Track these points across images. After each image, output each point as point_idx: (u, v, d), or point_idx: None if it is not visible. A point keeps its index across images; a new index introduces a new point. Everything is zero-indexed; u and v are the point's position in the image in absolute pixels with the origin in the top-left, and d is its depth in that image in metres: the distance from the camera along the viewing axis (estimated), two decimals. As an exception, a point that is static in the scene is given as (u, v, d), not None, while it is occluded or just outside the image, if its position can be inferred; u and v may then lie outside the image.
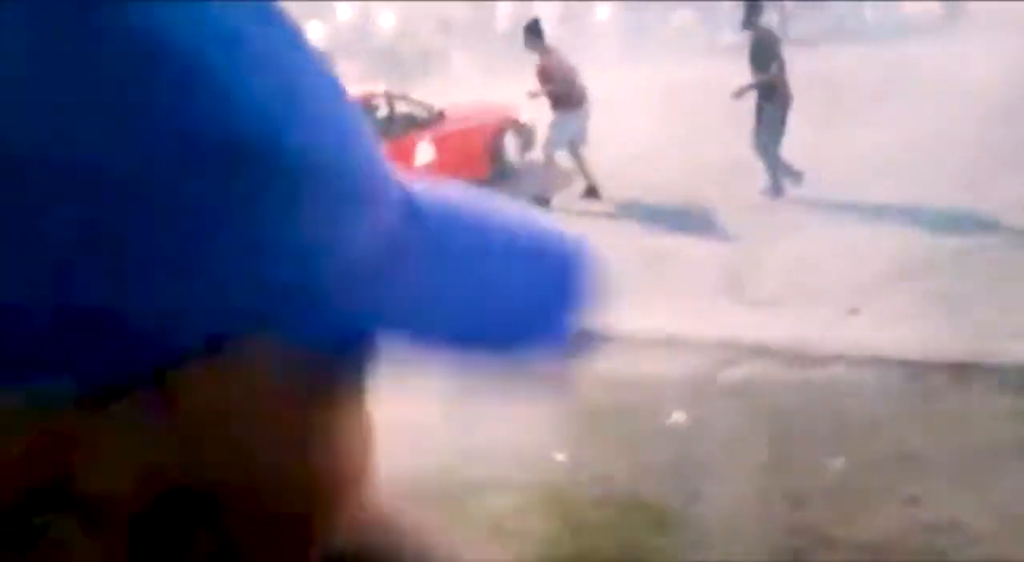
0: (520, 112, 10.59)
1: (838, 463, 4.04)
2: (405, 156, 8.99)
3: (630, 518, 3.70)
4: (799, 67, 14.45)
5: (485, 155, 9.97)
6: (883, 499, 3.73)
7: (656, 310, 5.89)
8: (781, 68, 8.33)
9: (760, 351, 5.25)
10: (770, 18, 17.25)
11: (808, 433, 4.34)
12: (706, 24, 17.83)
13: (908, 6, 18.39)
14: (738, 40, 12.81)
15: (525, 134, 10.52)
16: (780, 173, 8.26)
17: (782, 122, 8.20)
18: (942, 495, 3.75)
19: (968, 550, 3.40)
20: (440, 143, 9.85)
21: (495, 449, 4.18)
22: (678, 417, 4.49)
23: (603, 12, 19.71)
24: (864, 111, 11.17)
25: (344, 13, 18.88)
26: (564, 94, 8.97)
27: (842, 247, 6.75)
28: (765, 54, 8.35)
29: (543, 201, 8.52)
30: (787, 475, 3.98)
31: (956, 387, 4.69)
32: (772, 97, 8.26)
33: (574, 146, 9.14)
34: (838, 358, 5.06)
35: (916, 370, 4.87)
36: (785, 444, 4.25)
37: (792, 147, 9.32)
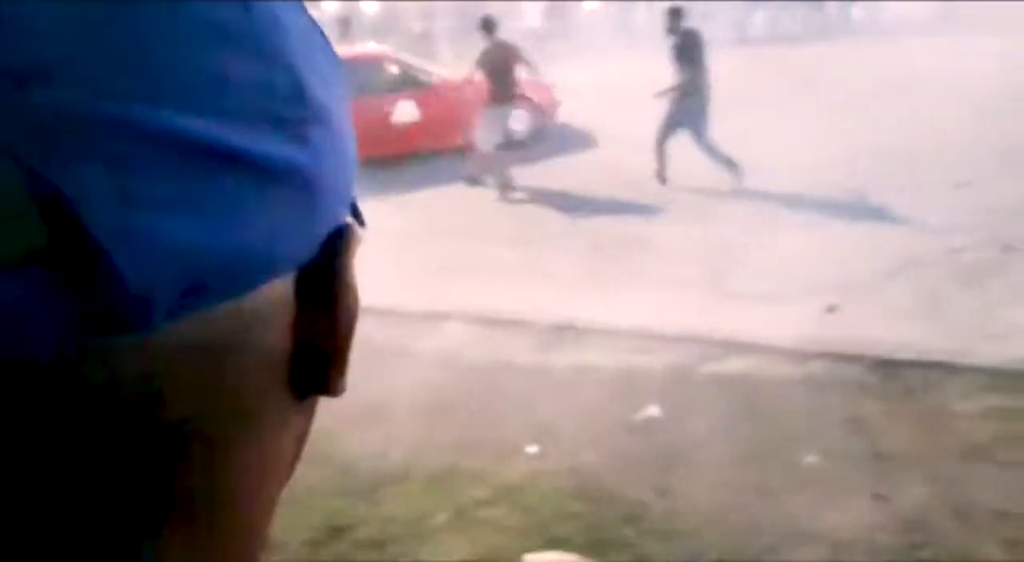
0: (547, 86, 11.16)
1: (811, 459, 4.04)
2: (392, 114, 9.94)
3: (600, 511, 3.69)
4: (788, 65, 14.51)
5: (471, 125, 10.17)
6: (854, 496, 3.73)
7: (636, 303, 5.89)
8: (703, 68, 8.92)
9: (738, 346, 5.25)
10: (755, 17, 17.28)
11: (783, 429, 4.33)
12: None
13: (895, 5, 18.44)
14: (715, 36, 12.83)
15: (529, 110, 10.84)
16: (720, 160, 8.77)
17: (705, 116, 8.85)
18: (913, 493, 3.75)
19: (935, 547, 3.40)
20: (425, 106, 10.40)
21: (467, 440, 4.16)
22: (652, 410, 4.47)
23: (591, 4, 19.74)
24: (853, 109, 11.20)
25: (330, 4, 19.15)
26: (495, 89, 9.45)
27: (825, 244, 6.76)
28: (686, 55, 8.90)
29: (472, 181, 9.57)
30: (760, 470, 3.97)
31: (932, 386, 4.69)
32: (694, 94, 8.82)
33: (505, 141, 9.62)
34: (817, 355, 5.05)
35: (893, 368, 4.87)
36: (759, 439, 4.24)
37: (780, 143, 9.34)
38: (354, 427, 3.97)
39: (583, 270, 6.61)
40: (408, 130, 10.44)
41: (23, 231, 0.22)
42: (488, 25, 9.70)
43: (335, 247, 0.30)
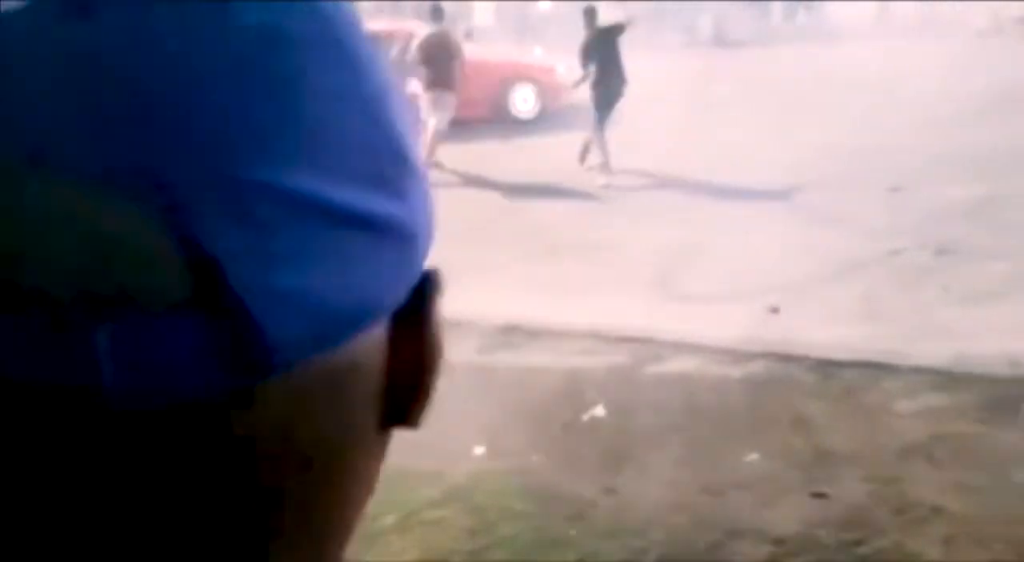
0: (551, 68, 11.74)
1: (753, 457, 4.10)
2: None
3: (547, 510, 3.71)
4: (733, 69, 14.70)
5: (486, 99, 11.11)
6: (795, 493, 3.80)
7: (583, 304, 5.93)
8: (612, 63, 9.72)
9: (683, 347, 5.31)
10: (704, 21, 17.50)
11: (726, 428, 4.40)
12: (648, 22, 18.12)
13: (840, 10, 18.78)
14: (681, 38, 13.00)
15: (548, 88, 11.56)
16: (607, 151, 9.46)
17: (608, 108, 9.68)
18: (852, 490, 3.83)
19: (873, 543, 3.48)
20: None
21: (414, 440, 4.15)
22: (598, 411, 4.51)
23: (544, 4, 19.82)
24: (795, 112, 11.39)
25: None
26: (435, 75, 9.76)
27: (767, 245, 6.86)
28: (595, 51, 9.75)
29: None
30: (703, 469, 4.02)
31: (871, 386, 4.79)
32: (603, 85, 9.65)
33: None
34: (759, 355, 5.13)
35: (833, 368, 4.96)
36: (703, 438, 4.30)
37: (723, 145, 9.47)
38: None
39: (528, 270, 6.64)
40: None
41: (171, 283, 0.24)
42: (436, 13, 10.12)
43: (425, 291, 0.32)
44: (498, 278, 6.45)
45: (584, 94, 10.33)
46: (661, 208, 8.10)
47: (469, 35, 13.12)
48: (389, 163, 0.30)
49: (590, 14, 10.04)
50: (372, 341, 0.30)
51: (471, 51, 11.24)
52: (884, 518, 3.61)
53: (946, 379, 4.80)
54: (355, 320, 0.28)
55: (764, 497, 3.79)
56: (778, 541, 3.49)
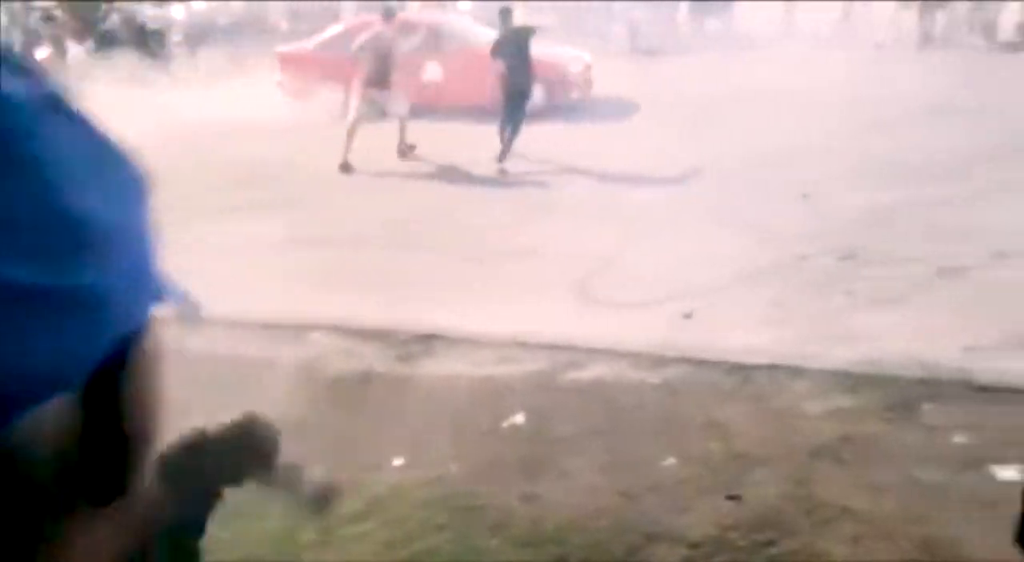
0: (564, 61, 12.62)
1: (670, 462, 4.17)
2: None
3: (467, 521, 3.71)
4: (645, 77, 14.89)
5: (490, 88, 11.52)
6: (710, 496, 3.88)
7: (503, 312, 5.95)
8: (519, 62, 10.34)
9: (602, 353, 5.37)
10: (620, 31, 17.64)
11: (644, 433, 4.46)
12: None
13: (748, 21, 19.23)
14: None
15: (556, 79, 12.37)
16: (508, 145, 10.20)
17: (511, 103, 10.38)
18: (765, 492, 3.92)
19: (784, 544, 3.57)
20: (449, 66, 11.99)
21: (333, 454, 4.11)
22: (517, 418, 4.53)
23: (464, 5, 19.83)
24: (707, 120, 11.63)
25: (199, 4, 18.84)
26: (375, 73, 10.27)
27: (682, 251, 6.99)
28: (504, 50, 10.40)
29: (346, 168, 10.13)
30: (622, 474, 4.07)
31: (782, 389, 4.92)
32: (509, 82, 10.35)
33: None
34: (675, 360, 5.22)
35: (746, 372, 5.08)
36: (621, 444, 4.35)
37: (636, 152, 9.62)
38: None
39: (449, 276, 6.64)
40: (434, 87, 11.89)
41: None
42: (389, 12, 10.75)
43: (125, 355, 0.31)
44: (422, 284, 6.43)
45: (595, 90, 10.64)
46: (577, 214, 8.18)
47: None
48: (65, 236, 0.29)
49: (505, 14, 10.56)
50: (56, 412, 0.29)
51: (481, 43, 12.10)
52: (795, 519, 3.71)
53: (853, 381, 4.95)
54: (29, 393, 0.27)
55: (680, 501, 3.86)
56: (693, 545, 3.55)
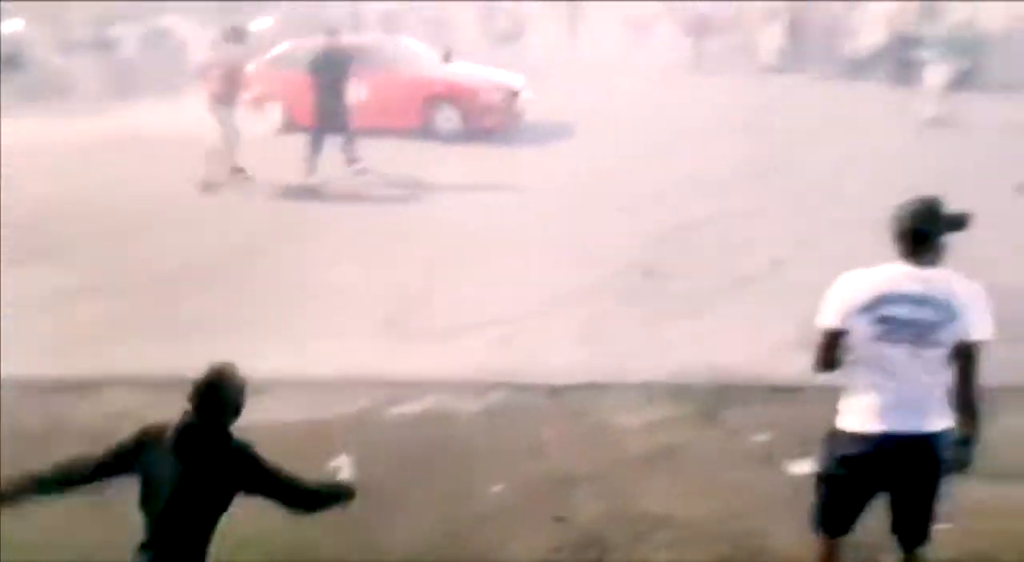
0: (481, 86, 12.73)
1: (497, 489, 4.27)
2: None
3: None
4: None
5: (414, 111, 12.53)
6: (536, 520, 4.00)
7: (321, 351, 5.88)
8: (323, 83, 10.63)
9: (424, 385, 5.41)
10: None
11: (470, 463, 4.53)
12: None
13: (535, 46, 19.75)
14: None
15: (470, 104, 12.55)
16: (312, 162, 10.48)
17: (318, 126, 10.67)
18: (589, 510, 4.09)
19: (608, 558, 3.73)
20: (375, 88, 12.06)
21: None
22: (342, 459, 4.49)
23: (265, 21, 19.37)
24: (530, 142, 12.06)
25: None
26: (224, 91, 10.30)
27: (498, 278, 7.13)
28: (313, 69, 10.73)
29: (209, 186, 10.05)
30: (449, 507, 4.13)
31: (598, 406, 5.13)
32: (319, 107, 10.68)
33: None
34: (494, 387, 5.34)
35: (563, 393, 5.27)
36: (448, 476, 4.41)
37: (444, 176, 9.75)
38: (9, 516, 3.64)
39: (262, 317, 6.49)
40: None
41: None
42: (236, 34, 10.76)
43: None
44: (242, 329, 6.23)
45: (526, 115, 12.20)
46: (388, 247, 8.18)
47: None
48: None
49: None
50: None
51: (404, 69, 12.89)
52: (617, 533, 3.89)
53: (663, 392, 5.23)
54: None
55: (509, 527, 3.96)
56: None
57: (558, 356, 5.77)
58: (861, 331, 2.88)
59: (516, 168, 10.83)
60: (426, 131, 12.51)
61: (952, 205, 2.92)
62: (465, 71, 13.31)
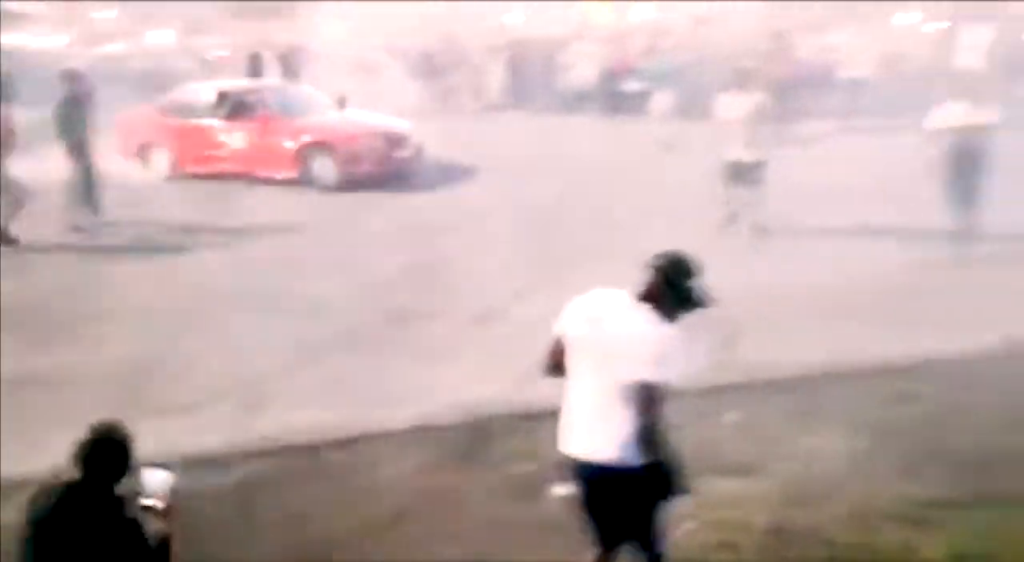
0: (357, 132, 12.39)
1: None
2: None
3: None
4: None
5: (291, 160, 12.23)
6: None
7: (52, 442, 5.36)
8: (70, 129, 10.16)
9: (168, 464, 5.07)
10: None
11: (225, 541, 4.28)
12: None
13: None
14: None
15: (343, 151, 12.13)
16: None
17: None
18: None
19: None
20: (253, 135, 12.31)
21: None
22: None
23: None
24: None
25: None
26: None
27: (238, 343, 6.80)
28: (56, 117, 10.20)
29: (9, 240, 9.56)
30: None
31: (356, 460, 5.02)
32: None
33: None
34: (244, 456, 5.09)
35: (316, 451, 5.11)
36: (200, 557, 4.15)
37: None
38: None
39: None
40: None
41: None
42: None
43: None
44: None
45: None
46: (125, 320, 7.65)
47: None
48: None
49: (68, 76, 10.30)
50: None
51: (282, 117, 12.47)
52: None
53: (419, 438, 5.21)
54: None
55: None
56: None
57: (310, 414, 5.60)
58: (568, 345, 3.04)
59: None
60: (303, 180, 12.18)
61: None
62: (350, 118, 12.97)
